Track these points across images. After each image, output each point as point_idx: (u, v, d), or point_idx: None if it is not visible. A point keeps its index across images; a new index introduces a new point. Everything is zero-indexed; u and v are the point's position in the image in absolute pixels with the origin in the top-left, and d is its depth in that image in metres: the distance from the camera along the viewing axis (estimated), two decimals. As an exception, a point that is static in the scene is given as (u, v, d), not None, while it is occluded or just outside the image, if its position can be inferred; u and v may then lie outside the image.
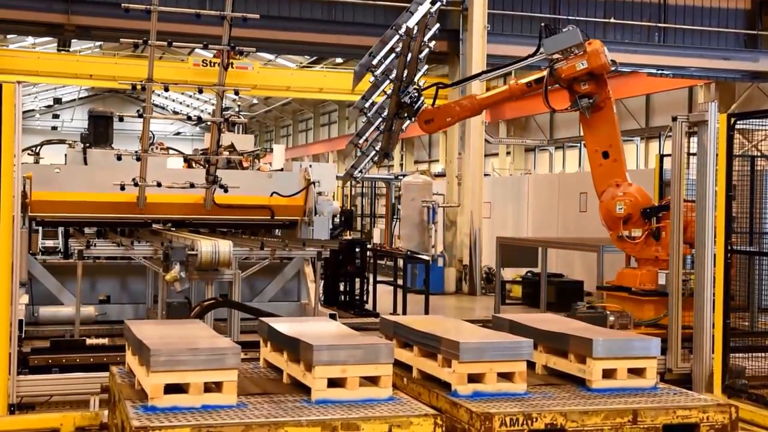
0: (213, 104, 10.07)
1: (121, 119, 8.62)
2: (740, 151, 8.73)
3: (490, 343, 5.36)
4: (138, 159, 8.22)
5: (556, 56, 9.38)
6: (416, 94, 9.88)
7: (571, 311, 8.76)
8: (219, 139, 8.47)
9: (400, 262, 13.54)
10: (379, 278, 13.70)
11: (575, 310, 8.81)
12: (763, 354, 7.96)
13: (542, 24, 9.80)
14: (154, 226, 9.36)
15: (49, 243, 14.10)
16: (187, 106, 55.08)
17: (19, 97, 6.42)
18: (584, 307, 9.04)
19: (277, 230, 10.27)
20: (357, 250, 12.71)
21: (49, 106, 50.82)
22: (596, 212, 10.15)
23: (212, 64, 21.64)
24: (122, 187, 8.17)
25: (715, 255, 7.68)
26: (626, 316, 8.86)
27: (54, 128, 49.35)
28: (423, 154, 38.27)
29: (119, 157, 8.29)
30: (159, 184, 8.30)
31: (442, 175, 22.95)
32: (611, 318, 8.69)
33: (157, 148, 10.54)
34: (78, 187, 8.95)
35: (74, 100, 52.81)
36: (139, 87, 7.85)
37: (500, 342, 5.41)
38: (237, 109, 20.81)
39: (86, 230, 9.78)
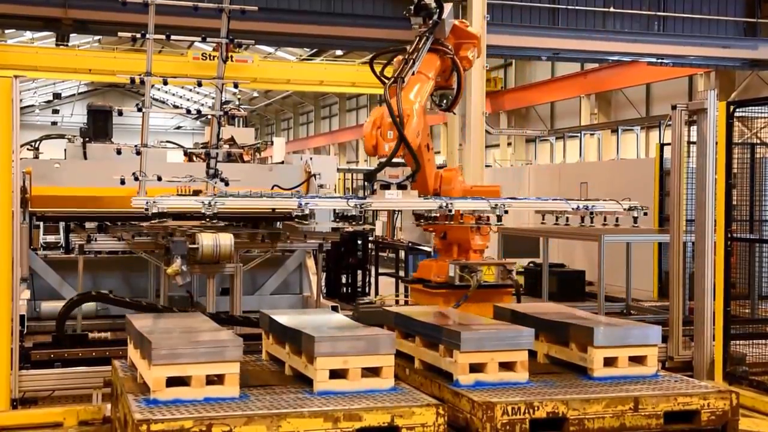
0: (213, 98, 10.03)
1: (120, 113, 8.59)
2: (740, 139, 8.72)
3: (491, 332, 5.37)
4: (138, 153, 8.21)
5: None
6: None
7: None
8: (219, 132, 8.46)
9: (402, 254, 13.54)
10: (380, 270, 13.70)
11: None
12: (763, 341, 7.97)
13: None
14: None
15: (51, 238, 14.10)
16: (188, 100, 55.15)
17: (17, 91, 6.41)
18: None
19: (278, 223, 10.26)
20: (358, 242, 12.71)
21: (48, 102, 50.82)
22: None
23: (212, 58, 21.55)
24: (122, 182, 8.16)
25: (715, 243, 7.69)
26: None
27: (54, 123, 49.30)
28: (423, 145, 38.16)
29: (119, 152, 8.27)
30: (159, 178, 8.28)
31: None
32: None
33: None
34: (78, 181, 8.93)
35: (74, 95, 52.80)
36: (138, 81, 7.81)
37: (501, 332, 5.42)
38: (237, 103, 20.76)
39: (87, 225, 9.77)
